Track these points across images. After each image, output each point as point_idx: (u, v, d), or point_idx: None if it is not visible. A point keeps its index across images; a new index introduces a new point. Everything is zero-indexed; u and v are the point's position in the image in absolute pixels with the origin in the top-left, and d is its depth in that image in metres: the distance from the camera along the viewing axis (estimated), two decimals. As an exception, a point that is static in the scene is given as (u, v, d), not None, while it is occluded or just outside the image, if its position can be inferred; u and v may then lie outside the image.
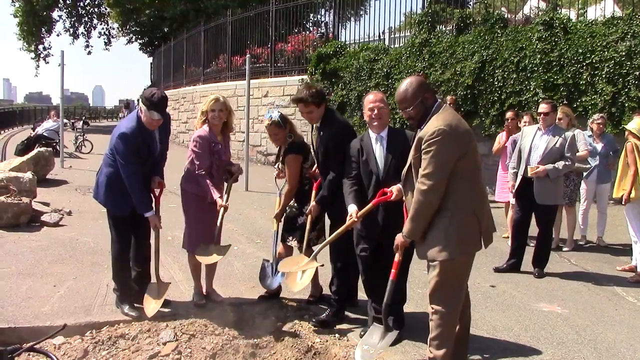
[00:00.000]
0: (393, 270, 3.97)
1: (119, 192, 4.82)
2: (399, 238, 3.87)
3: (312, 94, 4.80)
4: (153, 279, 5.08)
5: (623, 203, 6.41)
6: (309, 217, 4.91)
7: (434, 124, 3.58)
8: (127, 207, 4.85)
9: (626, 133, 6.52)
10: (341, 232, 4.43)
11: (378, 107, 4.39)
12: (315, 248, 4.83)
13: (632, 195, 6.25)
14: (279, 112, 5.28)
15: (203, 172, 4.95)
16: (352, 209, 4.35)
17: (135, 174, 4.73)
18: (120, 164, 4.73)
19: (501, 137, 8.45)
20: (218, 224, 5.03)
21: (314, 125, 5.00)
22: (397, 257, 3.94)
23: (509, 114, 8.46)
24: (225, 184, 5.26)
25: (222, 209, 4.93)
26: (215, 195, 4.90)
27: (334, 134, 4.77)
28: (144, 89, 4.90)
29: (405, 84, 3.79)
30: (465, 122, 3.80)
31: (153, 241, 5.04)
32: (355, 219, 4.30)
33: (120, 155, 4.71)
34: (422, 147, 3.59)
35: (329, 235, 4.83)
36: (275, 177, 5.43)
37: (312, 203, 4.92)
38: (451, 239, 3.59)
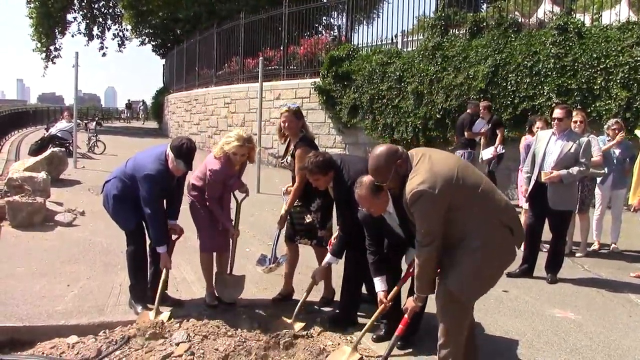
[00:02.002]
0: (401, 326, 4.02)
1: (126, 208, 5.00)
2: (409, 302, 3.95)
3: (317, 163, 4.68)
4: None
5: (633, 210, 6.39)
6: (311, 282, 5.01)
7: (410, 187, 3.54)
8: (134, 219, 5.02)
9: None
10: (375, 318, 4.47)
11: (367, 208, 4.23)
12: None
13: None
14: (298, 106, 5.34)
15: (214, 201, 5.10)
16: (380, 287, 4.38)
17: (157, 211, 4.89)
18: (144, 197, 4.86)
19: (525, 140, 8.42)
20: (231, 252, 5.23)
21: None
22: (406, 316, 4.01)
23: (540, 124, 8.16)
24: (234, 206, 5.41)
25: (234, 237, 5.19)
26: (226, 222, 5.13)
27: (344, 191, 4.64)
28: (173, 139, 4.99)
29: (376, 159, 3.72)
30: (443, 164, 3.61)
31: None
32: (387, 303, 4.32)
33: (145, 192, 4.84)
34: (410, 208, 3.59)
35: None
36: (284, 193, 5.42)
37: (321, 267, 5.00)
38: (472, 278, 3.58)
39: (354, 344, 4.46)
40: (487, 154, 10.38)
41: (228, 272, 5.31)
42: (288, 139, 5.37)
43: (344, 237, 4.78)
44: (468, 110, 11.05)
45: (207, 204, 5.08)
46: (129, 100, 51.58)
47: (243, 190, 5.32)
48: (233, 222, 5.30)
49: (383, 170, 3.69)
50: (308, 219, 5.17)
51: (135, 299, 5.08)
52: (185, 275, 6.09)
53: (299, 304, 4.89)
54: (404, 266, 4.58)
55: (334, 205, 5.06)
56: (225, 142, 5.03)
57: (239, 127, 18.26)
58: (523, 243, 6.75)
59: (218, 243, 5.22)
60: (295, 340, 4.60)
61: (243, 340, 4.59)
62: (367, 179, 4.06)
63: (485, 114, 10.68)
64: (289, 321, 4.85)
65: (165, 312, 4.97)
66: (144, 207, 4.86)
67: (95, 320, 4.84)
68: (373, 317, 4.48)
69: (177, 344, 4.49)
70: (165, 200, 5.10)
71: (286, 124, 5.17)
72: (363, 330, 4.55)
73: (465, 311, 3.73)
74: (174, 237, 5.19)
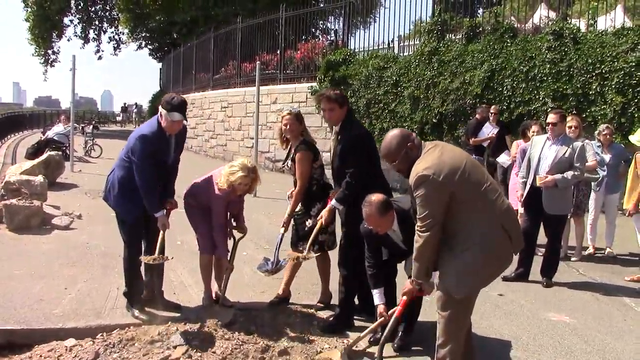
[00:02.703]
0: (399, 308, 4.04)
1: (130, 196, 4.89)
2: (407, 285, 3.98)
3: (336, 93, 4.95)
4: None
5: (627, 215, 6.44)
6: (320, 220, 4.95)
7: (416, 170, 3.62)
8: (136, 211, 4.93)
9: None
10: (372, 330, 4.53)
11: (374, 227, 4.33)
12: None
13: None
14: (299, 109, 5.40)
15: (219, 225, 5.17)
16: (378, 300, 4.46)
17: (149, 176, 4.80)
18: (136, 164, 4.79)
19: (517, 145, 8.50)
20: (224, 282, 5.28)
21: (334, 130, 5.06)
22: (404, 298, 4.03)
23: (535, 128, 8.24)
24: (233, 240, 5.43)
25: (228, 270, 5.25)
26: (224, 253, 5.21)
27: (353, 138, 4.83)
28: (164, 95, 4.98)
29: (389, 139, 3.84)
30: (452, 155, 3.72)
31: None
32: (387, 316, 4.35)
33: (137, 156, 4.77)
34: (413, 192, 3.65)
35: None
36: (289, 196, 5.44)
37: (324, 211, 4.96)
38: (469, 274, 3.62)
39: (346, 349, 4.47)
40: (503, 159, 9.99)
41: (221, 295, 5.30)
42: (289, 144, 5.39)
43: (351, 186, 4.77)
44: (477, 116, 11.03)
45: (213, 234, 5.17)
46: (124, 103, 51.66)
47: (242, 231, 5.42)
48: (229, 256, 5.33)
49: (394, 149, 3.78)
50: (309, 223, 5.18)
51: (131, 302, 5.09)
52: (183, 279, 6.11)
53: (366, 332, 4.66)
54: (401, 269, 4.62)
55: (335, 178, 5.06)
56: (229, 173, 5.00)
57: (236, 131, 18.45)
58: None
59: (217, 244, 5.24)
60: (292, 344, 4.63)
61: (240, 343, 4.61)
62: (375, 197, 4.20)
63: (495, 118, 10.71)
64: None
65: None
66: (135, 171, 4.78)
67: (92, 323, 4.86)
68: (370, 328, 4.52)
69: (175, 347, 4.51)
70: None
71: (288, 127, 5.18)
72: (357, 338, 4.58)
73: (464, 310, 3.76)
74: (168, 206, 5.12)
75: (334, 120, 4.96)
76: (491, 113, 10.70)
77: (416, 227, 3.67)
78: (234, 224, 5.43)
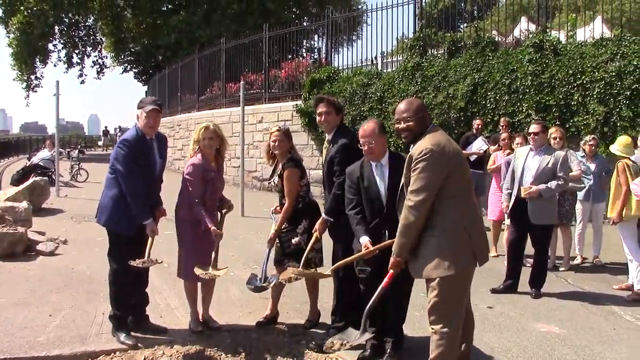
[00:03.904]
0: (386, 279, 3.98)
1: (124, 211, 4.84)
2: (391, 260, 3.93)
3: (333, 99, 5.12)
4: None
5: (611, 223, 6.48)
6: (315, 234, 4.93)
7: (424, 143, 3.72)
8: (133, 226, 4.86)
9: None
10: (357, 257, 4.42)
11: (368, 142, 4.40)
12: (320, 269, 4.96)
13: (625, 214, 6.31)
14: (288, 127, 5.44)
15: (197, 200, 4.98)
16: (364, 240, 4.35)
17: (135, 182, 4.79)
18: (120, 172, 4.79)
19: (495, 156, 8.55)
20: (214, 251, 5.05)
21: (326, 139, 5.09)
22: (391, 271, 3.97)
23: (504, 135, 8.60)
24: (220, 214, 5.30)
25: (217, 237, 4.99)
26: (209, 223, 4.94)
27: (345, 144, 4.85)
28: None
29: (410, 99, 4.07)
30: (456, 144, 3.91)
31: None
32: (372, 250, 4.28)
33: (120, 162, 4.79)
34: (412, 165, 3.72)
35: (332, 260, 4.93)
36: (272, 212, 5.42)
37: (318, 224, 4.94)
38: (445, 256, 3.67)
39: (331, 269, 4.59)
40: (479, 144, 9.99)
41: (211, 267, 5.12)
42: (275, 161, 5.38)
43: (337, 196, 4.75)
44: (473, 130, 10.68)
45: (192, 208, 5.00)
46: (105, 127, 51.48)
47: (227, 206, 5.34)
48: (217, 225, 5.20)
49: (416, 107, 3.92)
50: (295, 241, 5.15)
51: (117, 327, 5.01)
52: (169, 302, 6.04)
53: (341, 262, 4.59)
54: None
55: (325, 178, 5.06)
56: (194, 136, 5.18)
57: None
58: (506, 258, 6.83)
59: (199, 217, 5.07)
60: (281, 364, 4.58)
61: (228, 365, 4.56)
62: (375, 119, 4.50)
63: (507, 130, 10.10)
64: None
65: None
66: (121, 180, 4.78)
67: (77, 350, 4.76)
68: (356, 256, 4.40)
69: (161, 371, 4.45)
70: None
71: (276, 144, 5.19)
72: (343, 261, 4.50)
73: (458, 308, 3.77)
74: (157, 214, 5.08)
75: (328, 123, 4.99)
76: (501, 125, 10.17)
77: (406, 203, 3.72)
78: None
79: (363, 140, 4.42)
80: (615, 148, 6.73)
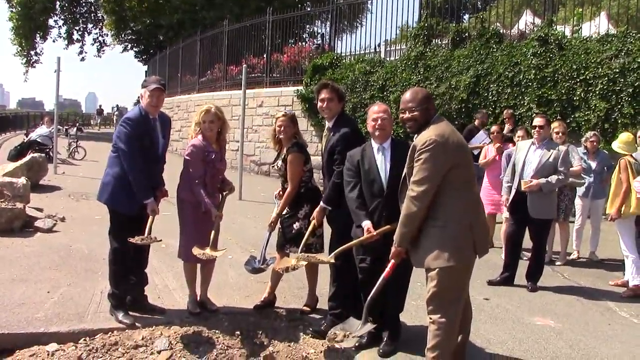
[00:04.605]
0: (388, 270, 4.00)
1: (126, 190, 4.83)
2: (392, 250, 3.94)
3: (337, 86, 5.11)
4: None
5: (609, 219, 6.51)
6: (313, 221, 4.92)
7: (428, 134, 3.73)
8: (134, 205, 4.87)
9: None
10: (358, 243, 4.41)
11: (382, 117, 4.46)
12: (319, 255, 4.93)
13: (624, 211, 6.33)
14: (293, 112, 5.43)
15: (197, 182, 4.98)
16: (366, 224, 4.33)
17: (137, 161, 4.79)
18: (122, 150, 4.79)
19: (487, 150, 8.54)
20: (214, 232, 5.05)
21: (326, 127, 5.08)
22: (393, 261, 3.98)
23: (494, 128, 8.63)
24: (220, 196, 5.30)
25: (217, 218, 4.99)
26: (209, 204, 4.95)
27: (346, 134, 4.84)
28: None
29: (416, 89, 4.10)
30: (460, 135, 3.92)
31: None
32: (375, 234, 4.27)
33: (123, 140, 4.79)
34: (415, 156, 3.73)
35: (329, 248, 4.89)
36: (276, 196, 5.42)
37: (315, 212, 4.93)
38: (445, 247, 3.68)
39: (333, 254, 4.59)
40: (482, 137, 9.85)
41: (209, 247, 5.04)
42: (281, 145, 5.36)
43: (336, 185, 4.75)
44: (475, 122, 10.65)
45: (192, 190, 5.00)
46: (100, 106, 50.97)
47: (228, 188, 5.34)
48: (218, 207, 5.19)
49: (420, 98, 3.93)
50: (296, 226, 5.16)
51: (115, 306, 5.02)
52: (167, 283, 6.05)
53: (342, 247, 4.56)
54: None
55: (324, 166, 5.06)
56: (195, 118, 5.16)
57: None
58: (504, 251, 6.86)
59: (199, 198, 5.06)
60: (277, 349, 4.60)
61: (225, 348, 4.58)
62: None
63: (511, 123, 10.26)
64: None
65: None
66: (122, 158, 4.79)
67: (75, 328, 4.78)
68: (357, 241, 4.39)
69: (159, 352, 4.48)
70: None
71: (282, 128, 5.17)
72: (344, 247, 4.48)
73: (458, 299, 3.79)
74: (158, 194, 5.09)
75: (329, 110, 4.96)
76: (505, 118, 10.13)
77: (409, 193, 3.73)
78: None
79: (377, 116, 4.48)
80: (617, 145, 6.72)
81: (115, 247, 4.98)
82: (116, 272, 5.01)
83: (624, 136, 6.88)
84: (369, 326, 4.23)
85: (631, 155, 6.54)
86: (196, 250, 4.86)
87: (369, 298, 4.09)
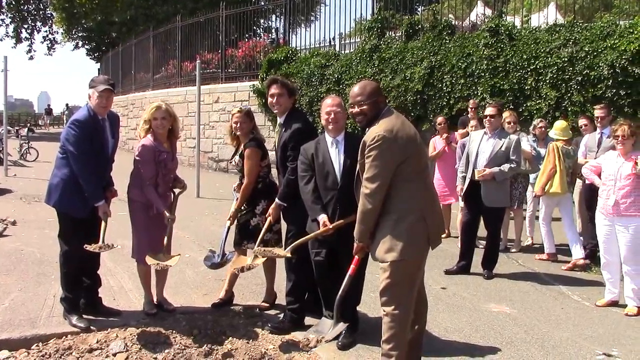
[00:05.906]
0: (352, 266, 4.01)
1: (75, 193, 4.72)
2: (355, 246, 3.95)
3: (287, 81, 5.07)
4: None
5: (534, 196, 7.31)
6: (268, 218, 4.90)
7: (376, 130, 3.71)
8: (84, 208, 4.75)
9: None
10: (314, 236, 4.42)
11: (335, 111, 4.45)
12: (275, 249, 4.90)
13: (547, 189, 7.08)
14: (249, 107, 5.42)
15: (148, 183, 4.90)
16: (322, 218, 4.34)
17: (87, 163, 4.67)
18: (71, 153, 4.66)
19: (434, 142, 8.64)
20: (167, 236, 4.99)
21: (278, 122, 5.05)
22: (356, 256, 4.00)
23: (440, 119, 8.74)
24: (172, 195, 5.22)
25: (170, 222, 4.94)
26: (161, 207, 4.89)
27: (299, 129, 4.82)
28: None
29: (364, 82, 4.03)
30: (411, 127, 3.89)
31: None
32: (331, 228, 4.28)
33: (71, 143, 4.66)
34: (365, 152, 3.72)
35: (285, 243, 4.86)
36: (234, 189, 5.37)
37: (271, 209, 4.91)
38: (399, 241, 3.68)
39: (289, 249, 4.55)
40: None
41: (164, 252, 5.01)
42: (239, 141, 5.32)
43: (291, 182, 4.74)
44: (469, 114, 10.01)
45: (144, 191, 4.90)
46: (48, 105, 49.57)
47: (180, 186, 5.26)
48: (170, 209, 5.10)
49: (369, 91, 3.88)
50: (253, 222, 5.13)
51: (68, 310, 4.90)
52: (123, 284, 5.95)
53: (298, 242, 4.59)
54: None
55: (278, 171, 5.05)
56: (144, 115, 5.06)
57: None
58: (460, 240, 6.95)
59: (152, 200, 4.98)
60: (236, 346, 4.57)
61: (183, 347, 4.52)
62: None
63: (474, 116, 9.63)
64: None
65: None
66: (72, 161, 4.67)
67: (27, 334, 4.66)
68: (313, 234, 4.41)
69: (115, 354, 4.39)
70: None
71: (238, 125, 5.14)
72: (299, 241, 4.51)
73: (410, 291, 3.78)
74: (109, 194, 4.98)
75: (280, 106, 4.94)
76: (470, 108, 9.76)
77: (362, 190, 3.73)
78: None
79: (330, 109, 4.46)
80: (553, 132, 7.42)
81: (65, 250, 4.86)
82: (68, 276, 4.89)
83: (559, 123, 7.62)
84: (342, 325, 4.24)
85: (564, 140, 7.25)
86: (150, 260, 4.79)
87: (337, 297, 4.08)
